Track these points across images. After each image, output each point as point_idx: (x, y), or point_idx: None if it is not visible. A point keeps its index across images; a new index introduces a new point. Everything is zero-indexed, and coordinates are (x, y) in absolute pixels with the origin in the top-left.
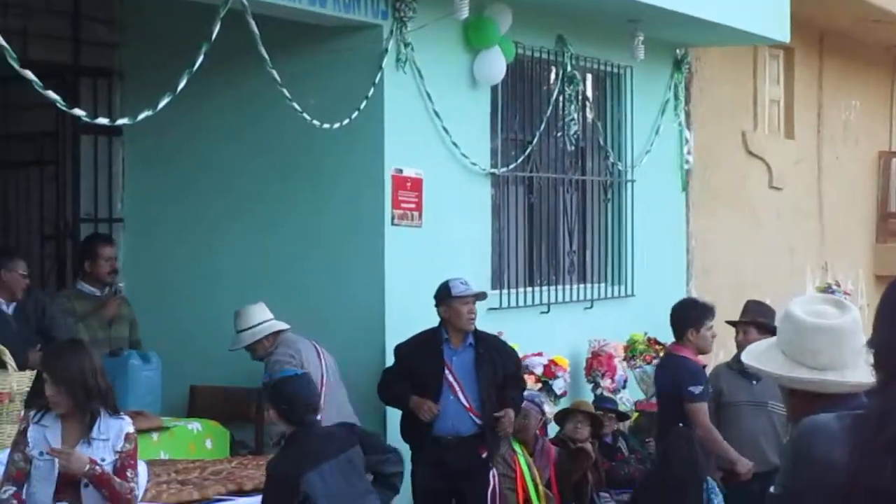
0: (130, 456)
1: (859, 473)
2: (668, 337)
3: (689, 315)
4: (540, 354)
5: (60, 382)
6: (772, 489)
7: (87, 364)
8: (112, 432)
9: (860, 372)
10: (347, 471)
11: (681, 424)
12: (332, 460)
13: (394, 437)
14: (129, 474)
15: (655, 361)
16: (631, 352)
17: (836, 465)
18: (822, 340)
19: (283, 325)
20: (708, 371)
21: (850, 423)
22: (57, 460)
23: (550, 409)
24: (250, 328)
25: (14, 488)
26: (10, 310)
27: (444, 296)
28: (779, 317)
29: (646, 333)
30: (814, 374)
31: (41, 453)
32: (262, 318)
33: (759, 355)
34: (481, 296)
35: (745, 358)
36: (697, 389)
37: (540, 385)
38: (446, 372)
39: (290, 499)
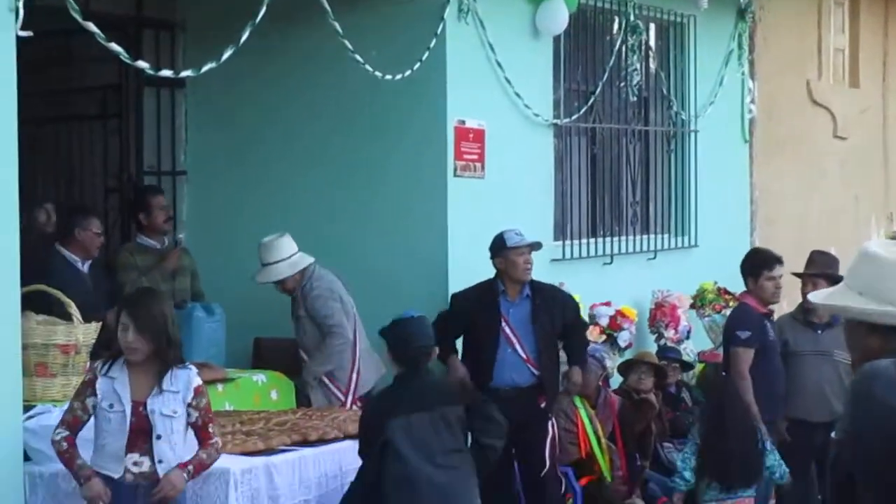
0: (208, 410)
1: None
2: (732, 287)
3: (748, 264)
4: (608, 304)
5: (144, 329)
6: (833, 434)
7: (167, 310)
8: (181, 383)
9: None
10: (440, 426)
11: (723, 373)
12: (426, 412)
13: None
14: (210, 430)
15: (725, 311)
16: (700, 301)
17: (894, 408)
18: None
19: (311, 258)
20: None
21: None
22: (130, 415)
23: (612, 363)
24: (285, 260)
25: (67, 432)
26: (85, 268)
27: (499, 247)
28: (852, 261)
29: (716, 283)
30: None
31: (111, 406)
32: (292, 250)
33: (830, 298)
34: (536, 246)
35: (820, 300)
36: (744, 334)
37: (605, 337)
38: (503, 324)
39: (373, 438)
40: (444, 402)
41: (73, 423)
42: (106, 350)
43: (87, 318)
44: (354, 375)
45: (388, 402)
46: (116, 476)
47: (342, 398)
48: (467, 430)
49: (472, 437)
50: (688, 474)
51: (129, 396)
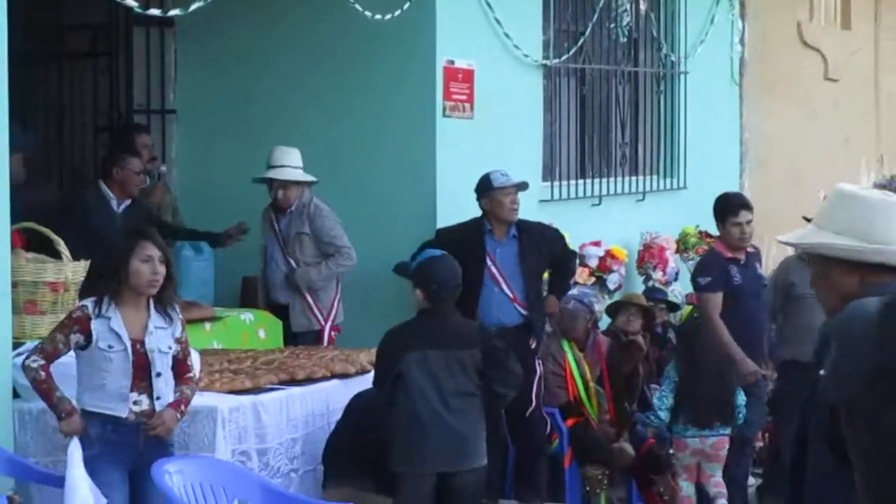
0: (187, 343)
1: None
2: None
3: (716, 210)
4: (598, 244)
5: (166, 262)
6: (821, 372)
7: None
8: (170, 318)
9: None
10: (455, 367)
11: (695, 315)
12: (442, 351)
13: None
14: (189, 362)
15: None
16: (683, 245)
17: (871, 344)
18: (894, 215)
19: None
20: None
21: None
22: (131, 353)
23: (601, 307)
24: (298, 168)
25: (44, 361)
26: (119, 208)
27: (485, 188)
28: (826, 202)
29: (697, 226)
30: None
31: (110, 346)
32: (301, 164)
33: (808, 238)
34: (523, 186)
35: (794, 239)
36: (704, 280)
37: (594, 279)
38: (489, 263)
39: (388, 369)
40: (462, 344)
41: (51, 354)
42: (92, 288)
43: (109, 258)
44: (336, 304)
45: (407, 335)
46: (123, 415)
47: (321, 323)
48: (481, 375)
49: (485, 384)
50: (663, 414)
51: (127, 335)
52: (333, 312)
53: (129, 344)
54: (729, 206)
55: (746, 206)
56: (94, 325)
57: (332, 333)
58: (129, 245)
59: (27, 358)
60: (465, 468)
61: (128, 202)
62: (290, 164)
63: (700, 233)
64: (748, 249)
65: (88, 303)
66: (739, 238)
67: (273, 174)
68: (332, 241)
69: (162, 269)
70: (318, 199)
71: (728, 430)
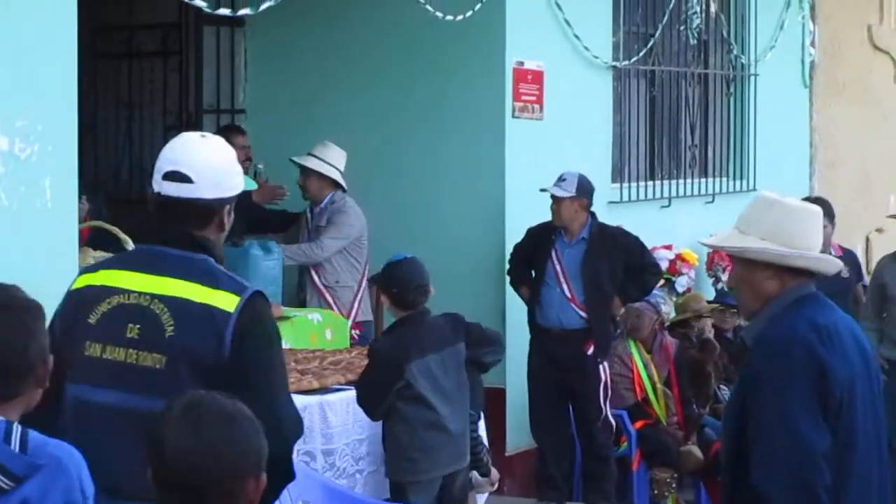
0: None
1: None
2: None
3: None
4: (669, 248)
5: None
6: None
7: None
8: None
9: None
10: (451, 365)
11: None
12: (438, 353)
13: (512, 330)
14: None
15: None
16: None
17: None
18: (814, 223)
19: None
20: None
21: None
22: None
23: (669, 308)
24: (334, 167)
25: None
26: None
27: None
28: (747, 207)
29: None
30: (816, 254)
31: None
32: (342, 166)
33: (730, 241)
34: (554, 198)
35: (718, 242)
36: None
37: (663, 282)
38: (555, 263)
39: (392, 382)
40: (452, 340)
41: None
42: None
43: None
44: (358, 302)
45: (404, 344)
46: None
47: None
48: (469, 360)
49: (477, 358)
50: None
51: None
52: (354, 310)
53: None
54: None
55: (825, 210)
56: None
57: (354, 332)
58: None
59: None
60: (461, 467)
61: None
62: (321, 156)
63: None
64: (831, 251)
65: None
66: None
67: (299, 159)
68: (328, 227)
69: None
70: (352, 199)
71: None
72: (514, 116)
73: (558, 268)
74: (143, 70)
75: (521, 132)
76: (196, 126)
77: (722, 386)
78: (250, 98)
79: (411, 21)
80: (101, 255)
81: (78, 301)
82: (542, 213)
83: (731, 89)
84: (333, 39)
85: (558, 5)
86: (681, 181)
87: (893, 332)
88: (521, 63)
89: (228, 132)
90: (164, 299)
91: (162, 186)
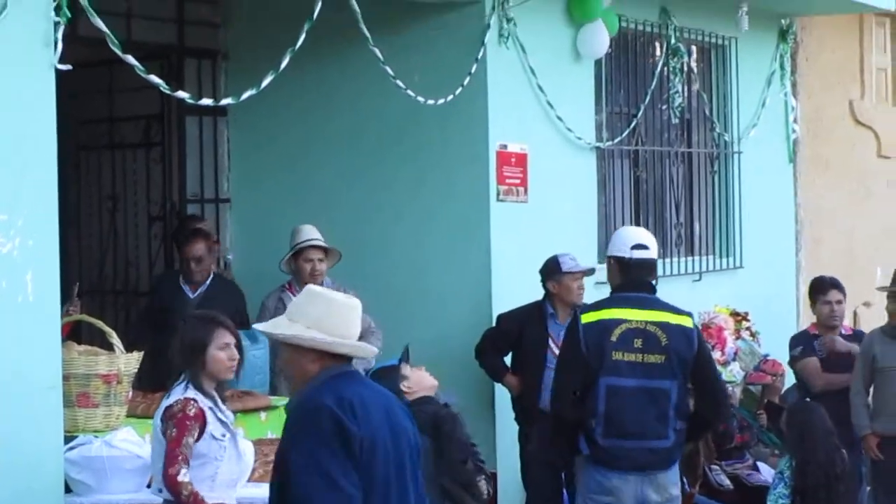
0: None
1: None
2: (777, 307)
3: (809, 289)
4: None
5: (238, 348)
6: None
7: None
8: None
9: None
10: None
11: (807, 399)
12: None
13: (502, 415)
14: None
15: (745, 335)
16: (737, 325)
17: None
18: (353, 314)
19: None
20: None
21: None
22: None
23: None
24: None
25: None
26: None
27: (552, 271)
28: (297, 298)
29: (728, 306)
30: (353, 342)
31: (223, 434)
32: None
33: (277, 328)
34: (590, 272)
35: (267, 329)
36: (796, 351)
37: None
38: (552, 346)
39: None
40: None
41: (189, 460)
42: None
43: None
44: None
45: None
46: None
47: None
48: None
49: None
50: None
51: (231, 420)
52: None
53: (233, 430)
54: (819, 286)
55: (837, 286)
56: (209, 416)
57: None
58: (205, 332)
59: (180, 473)
60: None
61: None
62: (319, 235)
63: (733, 313)
64: (842, 331)
65: (194, 396)
66: (828, 316)
67: (321, 243)
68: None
69: (237, 355)
70: (329, 279)
71: None
72: (498, 200)
73: (556, 349)
74: (125, 161)
75: (506, 215)
76: (180, 214)
77: (713, 465)
78: (234, 187)
79: (394, 107)
80: (86, 348)
81: (602, 328)
82: (528, 296)
83: (716, 167)
84: (317, 127)
85: (540, 87)
86: (667, 260)
87: (884, 407)
88: (505, 146)
89: (188, 223)
90: (654, 323)
91: (632, 254)
